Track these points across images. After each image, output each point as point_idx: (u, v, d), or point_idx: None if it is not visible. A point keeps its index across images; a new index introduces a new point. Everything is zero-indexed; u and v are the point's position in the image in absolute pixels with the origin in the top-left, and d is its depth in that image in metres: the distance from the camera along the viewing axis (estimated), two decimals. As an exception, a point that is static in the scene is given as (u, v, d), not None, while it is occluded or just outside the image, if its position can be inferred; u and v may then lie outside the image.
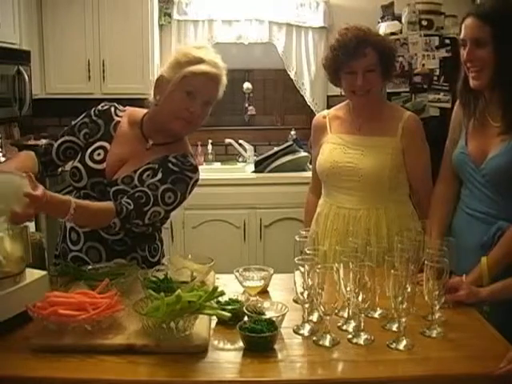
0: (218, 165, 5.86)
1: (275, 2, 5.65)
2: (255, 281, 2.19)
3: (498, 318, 2.08)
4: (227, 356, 1.79)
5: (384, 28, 4.95)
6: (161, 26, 5.69)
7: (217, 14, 5.66)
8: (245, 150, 5.81)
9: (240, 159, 5.87)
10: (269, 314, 1.92)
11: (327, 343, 1.83)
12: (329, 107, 3.27)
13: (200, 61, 2.41)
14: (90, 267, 2.33)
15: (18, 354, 1.76)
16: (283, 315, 1.91)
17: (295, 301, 2.12)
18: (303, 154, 5.37)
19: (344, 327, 1.96)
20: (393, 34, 4.85)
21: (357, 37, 2.64)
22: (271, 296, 2.24)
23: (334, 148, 2.76)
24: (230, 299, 2.02)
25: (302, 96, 5.85)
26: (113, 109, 2.58)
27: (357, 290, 1.84)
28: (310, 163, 4.66)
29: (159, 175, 2.38)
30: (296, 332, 1.93)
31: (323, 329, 1.87)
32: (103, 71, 5.31)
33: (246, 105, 6.04)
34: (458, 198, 2.58)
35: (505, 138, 2.31)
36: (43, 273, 2.07)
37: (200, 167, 5.24)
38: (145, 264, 2.52)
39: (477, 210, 2.42)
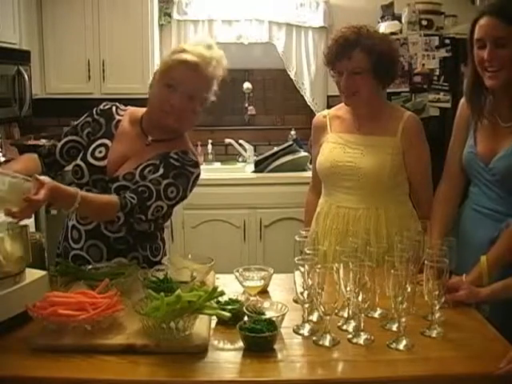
0: (217, 165, 5.85)
1: (275, 1, 5.65)
2: (255, 281, 2.18)
3: (497, 317, 2.08)
4: (227, 356, 1.79)
5: (384, 28, 4.95)
6: (161, 26, 5.69)
7: (217, 14, 5.66)
8: (245, 149, 5.80)
9: (240, 159, 5.87)
10: (269, 314, 1.92)
11: (327, 343, 1.83)
12: (329, 107, 3.26)
13: (182, 51, 2.43)
14: (90, 267, 2.33)
15: (17, 353, 1.76)
16: (283, 315, 1.91)
17: (295, 301, 2.12)
18: (303, 153, 5.37)
19: (344, 327, 1.96)
20: (393, 33, 4.84)
21: (346, 38, 2.64)
22: (271, 296, 2.24)
23: (334, 147, 2.76)
24: (229, 299, 2.02)
25: (302, 96, 5.85)
26: (114, 108, 2.60)
27: (357, 290, 1.84)
28: (310, 163, 4.65)
29: (161, 170, 2.40)
30: (296, 332, 1.93)
31: (323, 329, 1.87)
32: (103, 71, 5.31)
33: (246, 105, 6.04)
34: (461, 198, 2.59)
35: None
36: (43, 273, 2.07)
37: (200, 167, 5.21)
38: (146, 264, 2.52)
39: (485, 207, 2.42)
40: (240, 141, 5.81)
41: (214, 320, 1.96)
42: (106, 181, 2.43)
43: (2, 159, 4.87)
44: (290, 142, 5.49)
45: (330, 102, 5.50)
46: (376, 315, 2.05)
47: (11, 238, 1.94)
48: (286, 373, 1.71)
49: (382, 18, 5.26)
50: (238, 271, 2.20)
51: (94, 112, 2.60)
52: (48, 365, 1.71)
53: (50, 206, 2.03)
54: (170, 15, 5.67)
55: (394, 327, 1.92)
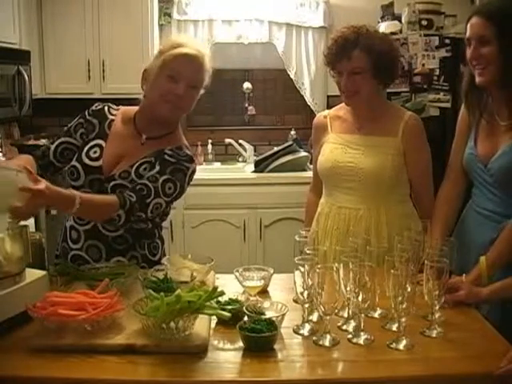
0: (217, 165, 5.86)
1: (275, 1, 5.66)
2: (255, 281, 2.18)
3: (497, 317, 2.08)
4: (227, 356, 1.79)
5: (384, 28, 4.95)
6: (161, 26, 5.68)
7: (217, 14, 5.66)
8: (245, 149, 5.80)
9: (240, 159, 5.87)
10: (269, 314, 1.92)
11: (327, 343, 1.83)
12: (329, 107, 3.26)
13: (180, 45, 2.46)
14: (89, 267, 2.33)
15: (17, 353, 1.76)
16: (283, 315, 1.91)
17: (295, 301, 2.12)
18: (303, 153, 5.38)
19: (344, 327, 1.96)
20: (393, 33, 4.84)
21: (345, 39, 2.64)
22: (271, 296, 2.24)
23: (335, 148, 2.76)
24: (229, 299, 2.02)
25: (302, 96, 5.85)
26: (106, 108, 2.62)
27: (357, 290, 1.84)
28: (310, 163, 4.65)
29: (157, 167, 2.41)
30: (296, 332, 1.93)
31: (323, 329, 1.87)
32: (103, 71, 5.31)
33: (246, 105, 6.03)
34: (462, 199, 2.60)
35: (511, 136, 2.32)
36: (43, 273, 2.07)
37: (200, 167, 5.25)
38: (145, 263, 2.53)
39: (486, 209, 2.43)
40: (240, 141, 5.81)
41: (214, 320, 1.96)
42: (101, 180, 2.43)
43: (2, 159, 4.88)
44: (290, 142, 5.49)
45: (330, 102, 5.50)
46: (376, 315, 2.05)
47: (11, 238, 1.94)
48: (285, 373, 1.71)
49: (382, 17, 5.26)
50: (237, 271, 2.20)
51: (87, 113, 2.61)
52: (48, 365, 1.70)
53: (49, 207, 2.02)
54: (170, 15, 5.67)
55: (394, 327, 1.92)
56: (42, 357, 1.74)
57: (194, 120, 6.04)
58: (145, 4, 5.29)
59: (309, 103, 5.83)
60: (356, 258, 1.88)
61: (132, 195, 2.30)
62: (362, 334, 1.87)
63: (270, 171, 5.32)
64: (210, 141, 5.85)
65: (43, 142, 5.10)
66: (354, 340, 1.86)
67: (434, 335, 1.90)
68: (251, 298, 2.10)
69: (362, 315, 1.89)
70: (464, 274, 2.19)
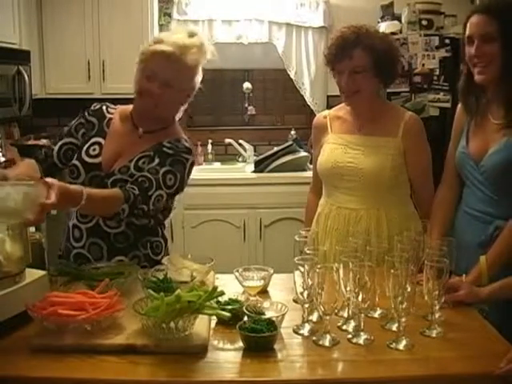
0: (217, 165, 5.85)
1: (275, 1, 5.65)
2: (255, 281, 2.19)
3: (497, 317, 2.08)
4: (227, 356, 1.79)
5: (384, 28, 4.95)
6: (161, 26, 5.68)
7: (217, 14, 5.66)
8: (245, 149, 5.80)
9: (240, 159, 5.87)
10: (269, 314, 1.92)
11: (327, 343, 1.83)
12: (329, 107, 3.26)
13: (159, 41, 2.49)
14: (89, 267, 2.33)
15: (17, 354, 1.76)
16: (283, 315, 1.91)
17: (295, 301, 2.12)
18: (303, 153, 5.37)
19: (344, 327, 1.96)
20: (393, 33, 4.84)
21: (346, 38, 2.64)
22: (271, 296, 2.24)
23: (335, 148, 2.76)
24: (229, 299, 2.02)
25: (302, 96, 5.85)
26: (104, 107, 2.66)
27: (357, 290, 1.84)
28: (310, 163, 4.65)
29: (156, 160, 2.44)
30: (296, 332, 1.93)
31: (323, 329, 1.87)
32: (103, 71, 5.31)
33: (246, 105, 6.03)
34: (460, 199, 2.60)
35: (506, 133, 2.32)
36: (43, 273, 2.07)
37: (200, 167, 5.26)
38: (147, 262, 2.53)
39: (475, 209, 2.43)
40: (240, 141, 5.81)
41: (214, 320, 1.96)
42: (101, 177, 2.45)
43: (2, 159, 4.88)
44: (290, 142, 5.49)
45: (330, 102, 5.50)
46: (376, 315, 2.05)
47: (11, 239, 1.94)
48: (285, 373, 1.71)
49: (382, 17, 5.26)
50: (237, 271, 2.20)
51: (86, 113, 2.64)
52: (48, 365, 1.70)
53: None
54: (170, 15, 5.67)
55: (394, 327, 1.92)
56: (42, 357, 1.74)
57: (194, 120, 6.04)
58: (145, 4, 5.29)
59: (309, 103, 5.83)
60: (356, 258, 1.88)
61: (134, 188, 2.31)
62: (361, 333, 1.87)
63: (270, 171, 5.32)
64: (209, 141, 5.85)
65: (43, 141, 5.10)
66: (354, 340, 1.86)
67: (433, 335, 1.90)
68: (251, 298, 2.10)
69: (362, 315, 1.89)
70: (464, 274, 2.20)
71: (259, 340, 1.78)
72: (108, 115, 2.62)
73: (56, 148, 2.58)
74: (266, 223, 5.26)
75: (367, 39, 2.63)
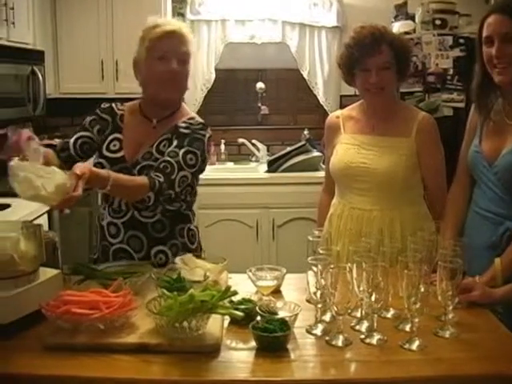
0: (230, 164, 5.86)
1: (288, 1, 5.65)
2: (268, 280, 2.19)
3: (511, 318, 2.07)
4: (240, 355, 1.79)
5: (397, 27, 4.94)
6: (174, 26, 5.69)
7: (230, 14, 5.67)
8: (258, 149, 5.81)
9: (253, 159, 5.87)
10: (281, 314, 1.92)
11: (340, 343, 1.83)
12: (342, 107, 3.26)
13: (158, 25, 2.56)
14: (103, 266, 2.34)
15: (31, 352, 1.77)
16: (296, 315, 1.91)
17: (308, 301, 2.12)
18: (316, 153, 5.37)
19: (357, 327, 1.95)
20: (406, 33, 4.83)
21: (372, 34, 2.64)
22: (284, 296, 2.24)
23: (348, 148, 2.75)
24: (242, 299, 2.02)
25: (315, 96, 5.84)
26: (114, 105, 2.73)
27: (370, 290, 1.84)
28: (323, 163, 4.63)
29: (175, 142, 2.50)
30: (309, 332, 1.93)
31: (336, 329, 1.86)
32: (116, 71, 5.33)
33: (259, 104, 6.03)
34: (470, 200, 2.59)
35: None
36: (57, 271, 2.09)
37: (213, 167, 5.27)
38: (186, 250, 2.56)
39: (486, 210, 2.41)
40: (253, 140, 5.81)
41: (227, 319, 1.96)
42: (127, 167, 2.51)
43: (17, 158, 4.89)
44: (303, 142, 5.49)
45: (343, 102, 5.49)
46: (389, 315, 2.04)
47: (25, 238, 1.95)
48: (298, 373, 1.71)
49: (396, 17, 5.24)
50: (250, 271, 2.20)
51: (98, 111, 2.71)
52: (61, 363, 1.71)
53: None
54: (183, 15, 5.68)
55: (407, 327, 1.91)
56: (55, 355, 1.75)
57: (207, 120, 5.97)
58: (158, 4, 5.29)
59: (322, 103, 5.83)
60: (369, 258, 1.87)
61: (159, 175, 2.38)
62: (374, 334, 1.87)
63: (283, 171, 5.32)
64: (223, 141, 5.86)
65: (57, 141, 5.10)
66: (367, 340, 1.86)
67: (447, 336, 1.89)
68: (264, 298, 2.10)
69: (375, 315, 1.88)
70: (477, 275, 2.19)
71: (272, 340, 1.78)
72: (119, 112, 2.69)
73: (72, 141, 2.64)
74: (279, 223, 5.26)
75: (390, 36, 2.67)
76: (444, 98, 4.80)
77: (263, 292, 2.16)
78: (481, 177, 2.45)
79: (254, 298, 2.09)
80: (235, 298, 1.98)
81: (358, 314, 1.99)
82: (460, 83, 4.76)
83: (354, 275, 1.84)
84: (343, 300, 1.82)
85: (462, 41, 4.77)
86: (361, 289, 1.85)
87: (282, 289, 2.28)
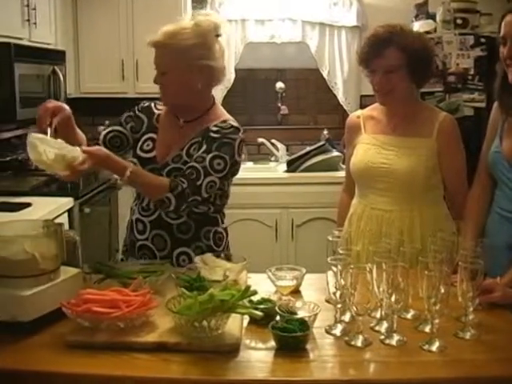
0: (250, 164, 5.86)
1: (308, 1, 5.65)
2: (287, 280, 2.19)
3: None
4: (259, 355, 1.79)
5: (418, 27, 4.90)
6: (194, 26, 5.70)
7: (250, 14, 5.68)
8: (277, 149, 5.80)
9: (272, 159, 5.87)
10: (301, 314, 1.92)
11: (359, 344, 1.83)
12: (362, 107, 3.25)
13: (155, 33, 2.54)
14: (123, 265, 2.36)
15: (52, 349, 1.79)
16: (315, 315, 1.91)
17: (327, 301, 2.12)
18: (336, 153, 5.35)
19: (376, 328, 1.95)
20: (427, 32, 4.79)
21: (379, 37, 2.63)
22: (303, 296, 2.24)
23: (369, 148, 2.75)
24: (262, 298, 2.01)
25: (335, 96, 5.83)
26: (153, 104, 2.75)
27: (390, 291, 1.83)
28: (343, 163, 4.62)
29: (204, 147, 2.48)
30: (328, 332, 1.92)
31: (355, 329, 1.86)
32: (137, 71, 5.35)
33: (279, 104, 6.03)
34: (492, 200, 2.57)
35: None
36: (77, 270, 2.10)
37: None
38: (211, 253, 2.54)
39: (507, 210, 2.40)
40: (272, 140, 5.81)
41: (246, 319, 1.96)
42: (158, 169, 2.54)
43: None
44: (323, 142, 5.48)
45: (363, 102, 5.48)
46: (409, 316, 2.03)
47: (46, 236, 1.97)
48: (317, 373, 1.71)
49: (416, 16, 5.22)
50: (270, 271, 2.20)
51: (136, 109, 2.74)
52: (81, 361, 1.72)
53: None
54: (203, 15, 5.68)
55: (427, 328, 1.90)
56: (75, 353, 1.76)
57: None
58: (178, 4, 5.32)
59: (342, 103, 5.82)
60: (389, 259, 1.87)
61: (183, 180, 2.40)
62: (394, 335, 1.86)
63: (303, 171, 5.31)
64: (242, 140, 5.85)
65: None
66: (387, 341, 1.85)
67: (467, 337, 1.88)
68: (283, 298, 2.10)
69: (395, 316, 1.87)
70: (498, 276, 2.17)
71: (291, 340, 1.78)
72: (157, 111, 2.71)
73: (103, 133, 2.70)
74: (298, 223, 5.25)
75: (401, 38, 2.62)
76: (465, 98, 4.78)
77: (283, 292, 2.16)
78: (501, 177, 2.44)
79: (274, 297, 2.09)
80: (255, 298, 1.98)
81: (378, 315, 1.98)
82: (481, 83, 4.74)
83: (374, 276, 1.84)
84: (363, 300, 1.81)
85: (483, 40, 4.75)
86: (381, 289, 1.84)
87: (301, 289, 2.27)
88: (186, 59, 2.50)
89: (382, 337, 1.87)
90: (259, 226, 5.25)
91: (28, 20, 4.22)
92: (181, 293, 1.94)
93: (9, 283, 1.88)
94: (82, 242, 2.39)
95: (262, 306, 1.95)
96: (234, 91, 5.87)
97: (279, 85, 5.97)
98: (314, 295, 2.21)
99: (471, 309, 1.91)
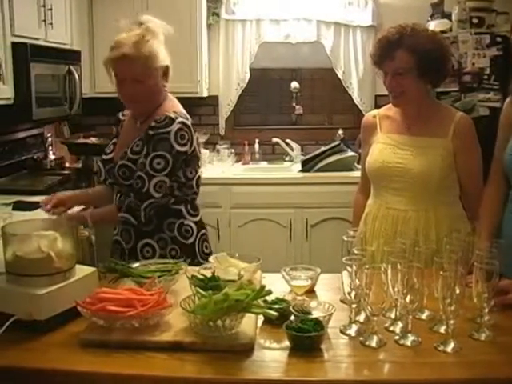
0: (264, 164, 5.86)
1: (323, 1, 5.64)
2: (302, 280, 2.19)
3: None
4: (273, 355, 1.79)
5: (433, 26, 4.87)
6: (209, 26, 5.72)
7: (265, 14, 5.67)
8: (292, 149, 5.80)
9: (287, 158, 5.86)
10: (315, 314, 1.91)
11: (374, 344, 1.82)
12: (377, 107, 3.24)
13: (114, 46, 2.66)
14: (137, 264, 2.36)
15: (67, 348, 1.80)
16: (330, 315, 1.91)
17: (342, 301, 2.11)
18: (350, 153, 5.34)
19: (391, 328, 1.94)
20: (442, 32, 4.76)
21: (388, 39, 2.63)
22: (318, 296, 2.24)
23: (384, 148, 2.74)
24: (276, 298, 2.01)
25: (350, 95, 5.82)
26: (120, 114, 2.91)
27: (405, 291, 1.82)
28: (358, 163, 4.61)
29: (144, 149, 2.59)
30: (343, 332, 1.92)
31: (370, 329, 1.86)
32: (151, 70, 5.36)
33: (294, 104, 6.02)
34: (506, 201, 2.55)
35: None
36: (92, 269, 2.11)
37: (247, 166, 5.26)
38: (176, 245, 2.69)
39: None
40: (287, 140, 5.80)
41: (261, 319, 1.96)
42: (112, 167, 2.68)
43: (53, 157, 4.97)
44: (338, 142, 5.46)
45: (378, 102, 5.46)
46: (424, 317, 2.03)
47: (62, 236, 1.98)
48: (332, 373, 1.71)
49: (432, 16, 5.20)
50: (284, 270, 2.20)
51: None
52: (96, 360, 1.73)
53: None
54: (218, 15, 5.70)
55: (442, 329, 1.90)
56: (90, 352, 1.77)
57: (242, 119, 6.06)
58: (193, 4, 5.32)
59: (356, 103, 5.81)
60: (404, 259, 1.86)
61: (130, 194, 2.57)
62: (409, 335, 1.85)
63: (317, 171, 5.30)
64: (257, 140, 5.86)
65: (92, 140, 5.19)
66: (401, 341, 1.84)
67: (482, 338, 1.87)
68: (298, 298, 2.10)
69: (410, 316, 1.87)
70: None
71: (306, 340, 1.78)
72: (122, 117, 2.87)
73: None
74: (313, 223, 5.24)
75: (411, 39, 2.60)
76: (480, 98, 4.75)
77: (297, 292, 2.16)
78: None
79: (288, 297, 2.09)
80: (269, 298, 1.97)
81: (393, 315, 1.98)
82: (497, 83, 4.71)
83: (389, 276, 1.83)
84: (377, 301, 1.81)
85: (499, 39, 4.71)
86: (395, 290, 1.84)
87: (316, 289, 2.27)
88: (156, 64, 2.63)
89: (397, 337, 1.87)
90: (273, 225, 5.25)
91: (44, 20, 4.24)
92: (195, 292, 1.94)
93: (24, 282, 1.89)
94: (97, 241, 2.40)
95: (276, 306, 1.95)
96: (249, 91, 5.88)
97: (294, 85, 5.96)
98: (329, 295, 2.21)
99: (486, 310, 1.90)
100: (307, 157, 5.42)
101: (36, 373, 1.71)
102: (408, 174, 2.65)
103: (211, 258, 2.37)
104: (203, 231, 2.83)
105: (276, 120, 6.11)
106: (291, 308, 1.93)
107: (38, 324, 1.86)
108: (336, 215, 5.09)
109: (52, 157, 5.02)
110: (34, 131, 4.92)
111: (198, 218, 2.81)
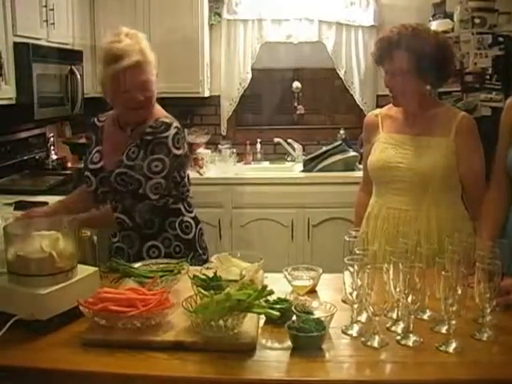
0: (266, 164, 5.87)
1: (325, 0, 5.64)
2: (304, 280, 2.19)
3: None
4: (275, 355, 1.79)
5: (435, 26, 4.88)
6: (211, 26, 5.72)
7: (266, 14, 5.68)
8: (293, 149, 5.80)
9: (289, 158, 5.86)
10: (317, 314, 1.91)
11: (375, 344, 1.82)
12: (379, 106, 3.24)
13: (116, 57, 2.57)
14: (139, 264, 2.36)
15: (69, 348, 1.80)
16: (332, 315, 1.90)
17: (344, 301, 2.11)
18: (352, 153, 5.34)
19: (393, 328, 1.94)
20: (444, 32, 4.76)
21: (387, 40, 2.63)
22: (320, 296, 2.24)
23: (386, 148, 2.74)
24: (278, 298, 2.01)
25: (352, 95, 5.82)
26: (95, 119, 2.86)
27: (406, 291, 1.82)
28: (359, 163, 4.61)
29: (141, 152, 2.59)
30: (344, 332, 1.92)
31: (372, 329, 1.85)
32: (153, 70, 5.36)
33: (295, 104, 6.02)
34: (510, 200, 2.55)
35: None
36: (94, 269, 2.11)
37: (249, 166, 5.26)
38: (180, 242, 2.74)
39: None
40: (289, 140, 5.81)
41: (263, 319, 1.96)
42: (106, 177, 2.65)
43: (55, 157, 4.97)
44: (339, 142, 5.47)
45: (380, 102, 5.47)
46: (425, 317, 2.03)
47: (64, 236, 1.98)
48: (333, 373, 1.71)
49: (434, 16, 5.20)
50: (286, 270, 2.20)
51: (89, 134, 2.89)
52: (98, 360, 1.73)
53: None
54: (219, 15, 5.71)
55: (444, 329, 1.90)
56: (92, 351, 1.77)
57: (243, 119, 6.06)
58: (195, 4, 5.33)
59: (358, 103, 5.81)
60: (406, 259, 1.86)
61: (125, 196, 2.57)
62: (410, 335, 1.85)
63: (319, 171, 5.31)
64: (258, 140, 5.86)
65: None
66: (403, 342, 1.84)
67: (484, 338, 1.87)
68: (300, 298, 2.10)
69: (412, 317, 1.87)
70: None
71: (307, 340, 1.78)
72: (99, 124, 2.83)
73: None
74: (314, 223, 5.25)
75: (411, 40, 2.60)
76: (482, 98, 4.74)
77: (299, 292, 2.16)
78: None
79: (290, 297, 2.09)
80: (271, 298, 1.97)
81: (394, 315, 1.98)
82: (499, 82, 4.70)
83: (391, 276, 1.83)
84: (379, 301, 1.81)
85: (501, 39, 4.70)
86: (397, 290, 1.84)
87: (317, 289, 2.27)
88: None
89: (399, 337, 1.87)
90: (275, 225, 5.25)
91: (46, 20, 4.24)
92: (197, 292, 1.94)
93: (26, 281, 1.89)
94: (99, 240, 2.40)
95: (278, 306, 1.95)
96: (251, 91, 5.88)
97: (296, 84, 5.97)
98: (331, 295, 2.21)
99: (488, 310, 1.90)
100: (309, 157, 5.43)
101: (38, 372, 1.71)
102: (410, 173, 2.65)
103: (213, 258, 2.37)
104: (200, 225, 2.90)
105: (278, 120, 6.11)
106: (293, 308, 1.92)
107: (39, 324, 1.86)
108: (338, 215, 5.09)
109: (54, 157, 5.03)
110: (36, 131, 4.92)
111: (193, 214, 2.87)
